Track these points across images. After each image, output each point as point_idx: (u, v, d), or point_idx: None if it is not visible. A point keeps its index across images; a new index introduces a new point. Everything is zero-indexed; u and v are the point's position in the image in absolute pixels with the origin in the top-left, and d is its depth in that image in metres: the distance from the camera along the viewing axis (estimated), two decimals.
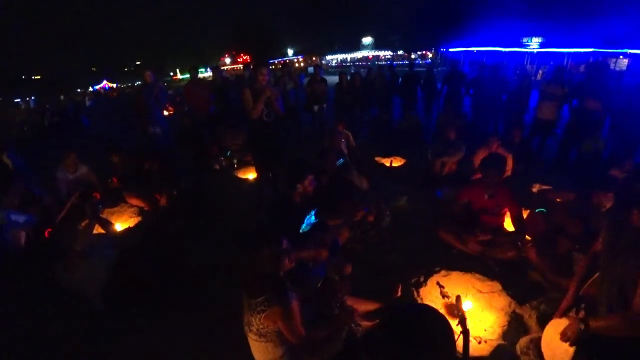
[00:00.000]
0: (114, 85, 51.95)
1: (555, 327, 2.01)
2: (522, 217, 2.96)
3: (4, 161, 5.46)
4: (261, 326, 1.73)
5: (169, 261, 2.96)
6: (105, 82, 53.04)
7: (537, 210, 3.08)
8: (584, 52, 16.99)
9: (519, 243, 2.90)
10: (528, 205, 3.41)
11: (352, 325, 2.07)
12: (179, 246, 3.38)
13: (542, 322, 2.23)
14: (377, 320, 2.26)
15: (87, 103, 24.94)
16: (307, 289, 2.35)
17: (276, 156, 4.05)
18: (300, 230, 2.86)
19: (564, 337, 1.87)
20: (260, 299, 1.71)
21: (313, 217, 3.00)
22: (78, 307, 2.66)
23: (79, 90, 47.06)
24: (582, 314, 1.96)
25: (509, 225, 3.24)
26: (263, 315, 1.70)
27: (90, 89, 51.73)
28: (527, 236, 3.06)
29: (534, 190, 4.36)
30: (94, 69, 69.19)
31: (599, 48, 16.28)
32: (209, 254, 3.38)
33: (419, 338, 1.54)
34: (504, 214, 3.11)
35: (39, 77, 67.05)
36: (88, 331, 2.52)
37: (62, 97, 34.81)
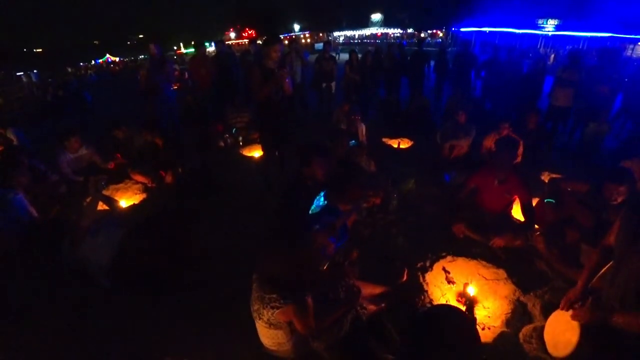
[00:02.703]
0: (117, 59, 51.18)
1: (560, 318, 2.01)
2: (532, 206, 2.91)
3: (9, 137, 5.45)
4: (272, 318, 1.74)
5: (174, 240, 2.95)
6: (107, 55, 52.22)
7: (546, 201, 3.03)
8: (601, 37, 16.36)
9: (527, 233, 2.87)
10: (537, 194, 3.35)
11: (358, 308, 2.08)
12: (185, 225, 3.38)
13: (546, 312, 2.24)
14: (383, 305, 2.27)
15: (90, 77, 24.64)
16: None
17: (283, 135, 3.99)
18: (310, 212, 2.84)
19: (576, 316, 1.84)
20: (275, 295, 1.69)
21: (322, 199, 2.97)
22: (84, 285, 2.68)
23: (81, 64, 46.42)
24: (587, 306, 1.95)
25: (516, 213, 3.21)
26: (277, 311, 1.70)
27: (93, 62, 51.01)
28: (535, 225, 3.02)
29: (543, 178, 4.32)
30: (96, 42, 68.04)
31: (617, 33, 15.65)
32: (214, 232, 3.38)
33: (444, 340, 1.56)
34: (513, 201, 3.07)
35: (40, 50, 66.11)
36: (93, 309, 2.55)
37: (69, 69, 34.29)
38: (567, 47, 17.41)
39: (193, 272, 2.84)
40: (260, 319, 1.79)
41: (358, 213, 3.19)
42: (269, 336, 1.85)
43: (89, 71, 29.78)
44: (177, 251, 2.95)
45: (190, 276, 2.80)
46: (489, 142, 4.40)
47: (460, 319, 2.08)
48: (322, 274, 2.15)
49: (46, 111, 10.22)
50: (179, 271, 2.81)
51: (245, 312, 1.90)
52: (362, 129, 4.80)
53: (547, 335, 2.05)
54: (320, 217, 2.53)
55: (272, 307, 1.70)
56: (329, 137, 3.70)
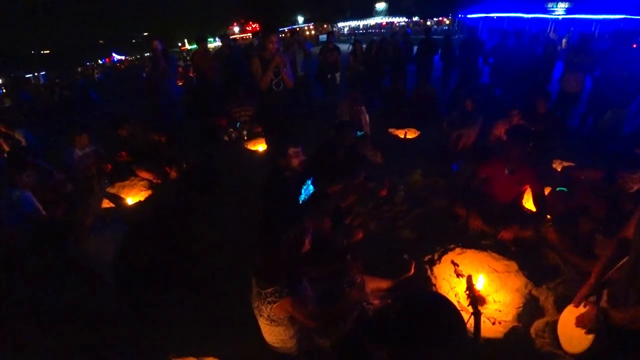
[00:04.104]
0: (122, 58, 51.51)
1: (573, 312, 1.93)
2: (545, 197, 2.80)
3: (17, 138, 5.50)
4: (272, 314, 1.72)
5: (178, 237, 2.94)
6: (113, 54, 52.58)
7: (557, 189, 2.92)
8: (615, 20, 15.74)
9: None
10: (548, 183, 3.24)
11: (364, 304, 2.04)
12: (188, 221, 3.36)
13: (559, 305, 2.17)
14: (390, 300, 2.22)
15: (96, 76, 24.83)
16: (316, 265, 2.31)
17: (287, 128, 3.94)
18: (300, 201, 2.80)
19: (581, 323, 1.80)
20: (271, 289, 1.68)
21: (311, 187, 2.92)
22: (89, 282, 2.68)
23: (88, 63, 46.84)
24: (603, 301, 1.86)
25: (527, 203, 3.10)
26: (274, 305, 1.67)
27: (100, 61, 51.43)
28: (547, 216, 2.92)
29: (555, 166, 4.19)
30: (101, 41, 68.44)
31: (631, 15, 15.01)
32: (219, 228, 3.36)
33: (429, 329, 1.50)
34: (524, 191, 2.97)
35: (47, 51, 66.81)
36: (97, 306, 2.55)
37: (79, 69, 34.74)
38: (577, 30, 16.84)
39: (197, 268, 2.83)
40: (261, 315, 1.77)
41: (355, 193, 3.13)
42: (271, 333, 1.82)
43: (95, 71, 30.02)
44: (181, 247, 2.94)
45: (194, 272, 2.78)
46: (499, 130, 4.27)
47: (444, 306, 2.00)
48: (325, 269, 2.11)
49: (53, 111, 10.34)
50: (183, 267, 2.80)
51: (247, 309, 1.88)
52: (366, 119, 4.72)
53: (561, 330, 1.98)
54: (311, 204, 2.48)
55: (269, 302, 1.68)
56: (334, 128, 3.63)
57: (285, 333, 1.80)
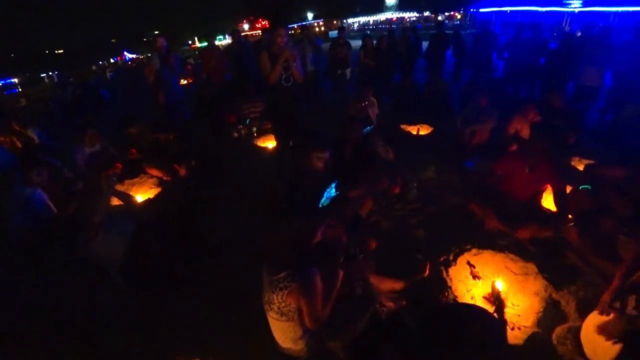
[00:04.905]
0: (134, 56, 52.19)
1: (598, 318, 1.83)
2: (566, 195, 2.68)
3: (29, 135, 5.58)
4: (282, 304, 1.68)
5: (186, 235, 2.91)
6: (125, 53, 53.28)
7: (581, 187, 2.79)
8: (634, 12, 15.17)
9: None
10: (568, 181, 3.11)
11: (377, 305, 1.97)
12: (197, 219, 3.34)
13: (582, 310, 2.06)
14: (404, 302, 2.15)
15: (108, 75, 25.21)
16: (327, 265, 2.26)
17: (296, 124, 3.89)
18: (320, 204, 2.74)
19: (606, 331, 1.70)
20: (282, 274, 1.67)
21: (333, 190, 2.86)
22: (97, 281, 2.67)
23: (100, 62, 47.63)
24: (630, 308, 1.76)
25: (547, 202, 2.98)
26: (285, 292, 1.65)
27: (112, 60, 52.23)
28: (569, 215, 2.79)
29: (574, 164, 4.04)
30: (113, 40, 69.49)
31: None
32: (228, 225, 3.32)
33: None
34: (543, 190, 2.85)
35: (61, 50, 68.17)
36: (105, 305, 2.55)
37: (93, 67, 35.52)
38: (594, 23, 16.29)
39: (205, 267, 2.79)
40: (271, 309, 1.74)
41: (374, 199, 3.07)
42: (281, 330, 1.78)
43: (107, 69, 30.55)
44: (190, 245, 2.91)
45: (202, 271, 2.74)
46: (514, 126, 4.13)
47: (486, 320, 1.94)
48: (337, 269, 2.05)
49: (65, 109, 10.51)
50: (191, 266, 2.77)
51: (257, 307, 1.85)
52: (374, 112, 4.65)
53: (585, 338, 1.88)
54: (330, 209, 2.43)
55: (281, 289, 1.66)
56: (342, 124, 3.56)
57: (295, 331, 1.75)
